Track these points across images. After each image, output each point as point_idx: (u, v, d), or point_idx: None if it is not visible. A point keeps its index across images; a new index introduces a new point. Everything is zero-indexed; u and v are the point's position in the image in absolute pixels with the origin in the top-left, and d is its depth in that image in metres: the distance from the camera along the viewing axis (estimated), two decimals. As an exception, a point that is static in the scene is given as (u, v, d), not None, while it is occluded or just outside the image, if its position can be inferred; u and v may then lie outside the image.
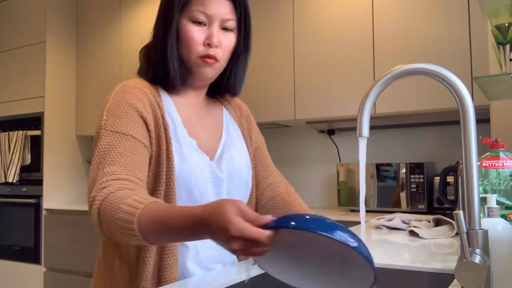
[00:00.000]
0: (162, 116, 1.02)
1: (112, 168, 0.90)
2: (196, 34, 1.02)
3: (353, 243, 0.60)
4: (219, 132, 1.15)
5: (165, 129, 1.01)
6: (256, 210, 1.24)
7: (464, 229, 0.74)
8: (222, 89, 1.15)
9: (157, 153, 1.00)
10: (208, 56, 1.03)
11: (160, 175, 1.00)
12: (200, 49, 1.03)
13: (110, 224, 0.82)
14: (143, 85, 1.04)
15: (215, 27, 1.03)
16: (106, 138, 0.94)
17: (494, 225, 0.81)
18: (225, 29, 1.05)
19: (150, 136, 0.99)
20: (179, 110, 1.07)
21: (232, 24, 1.06)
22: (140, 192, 0.87)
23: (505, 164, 1.02)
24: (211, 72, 1.06)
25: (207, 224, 0.69)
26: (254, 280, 1.02)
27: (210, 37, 1.02)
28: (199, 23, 1.02)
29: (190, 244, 1.03)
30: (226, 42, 1.05)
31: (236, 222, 0.65)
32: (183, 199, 1.01)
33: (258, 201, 1.23)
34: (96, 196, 0.86)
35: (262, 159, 1.25)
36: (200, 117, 1.12)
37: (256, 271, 1.04)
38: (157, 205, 0.80)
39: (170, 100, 1.07)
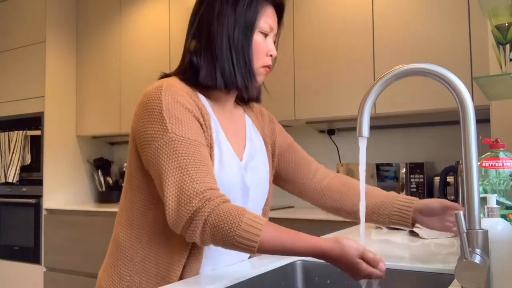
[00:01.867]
0: (208, 120, 1.03)
1: (199, 175, 0.92)
2: (264, 45, 1.08)
3: None
4: (244, 140, 1.16)
5: (210, 134, 1.02)
6: (309, 196, 1.26)
7: (464, 229, 0.74)
8: (249, 96, 1.16)
9: None
10: (269, 66, 1.10)
11: None
12: (266, 59, 1.09)
13: (222, 237, 0.88)
14: (184, 87, 1.04)
15: (272, 40, 1.11)
16: (182, 144, 0.94)
17: (494, 225, 0.81)
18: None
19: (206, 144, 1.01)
20: (215, 113, 1.08)
21: (275, 38, 1.13)
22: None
23: (505, 164, 1.02)
24: (262, 80, 1.13)
25: (332, 259, 0.87)
26: (254, 280, 1.02)
27: (272, 49, 1.10)
28: (265, 34, 1.08)
29: (213, 247, 1.04)
30: (276, 54, 1.13)
31: (364, 269, 0.85)
32: None
33: (313, 190, 1.24)
34: (201, 207, 0.89)
35: (297, 152, 1.28)
36: (230, 122, 1.13)
37: (256, 271, 1.04)
38: (275, 227, 0.91)
39: (208, 103, 1.08)
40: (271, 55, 1.10)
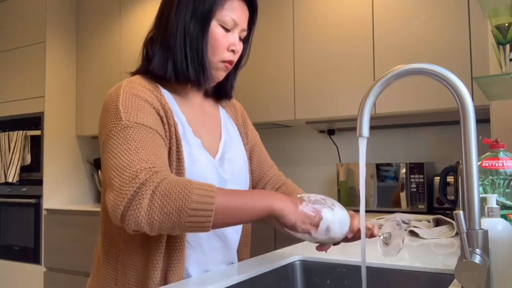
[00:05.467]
0: (171, 115, 1.01)
1: (149, 157, 0.87)
2: (224, 39, 1.05)
3: None
4: (218, 131, 1.15)
5: (175, 129, 1.00)
6: None
7: (464, 229, 0.74)
8: (220, 92, 1.18)
9: (168, 152, 0.99)
10: (229, 62, 1.07)
11: None
12: (226, 54, 1.06)
13: (176, 204, 0.81)
14: (146, 83, 1.03)
15: (237, 35, 1.07)
16: (135, 129, 0.91)
17: (494, 225, 0.81)
18: (239, 38, 1.09)
19: (165, 135, 0.99)
20: (181, 109, 1.07)
21: (245, 34, 1.10)
22: None
23: (505, 164, 1.02)
24: (223, 76, 1.10)
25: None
26: (254, 280, 1.02)
27: (235, 44, 1.06)
28: (226, 29, 1.05)
29: (196, 246, 1.03)
30: (240, 50, 1.10)
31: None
32: None
33: None
34: (149, 178, 0.83)
35: (260, 154, 1.27)
36: (200, 117, 1.12)
37: (255, 271, 1.04)
38: (225, 189, 0.93)
39: (172, 98, 1.06)
40: (232, 50, 1.06)
